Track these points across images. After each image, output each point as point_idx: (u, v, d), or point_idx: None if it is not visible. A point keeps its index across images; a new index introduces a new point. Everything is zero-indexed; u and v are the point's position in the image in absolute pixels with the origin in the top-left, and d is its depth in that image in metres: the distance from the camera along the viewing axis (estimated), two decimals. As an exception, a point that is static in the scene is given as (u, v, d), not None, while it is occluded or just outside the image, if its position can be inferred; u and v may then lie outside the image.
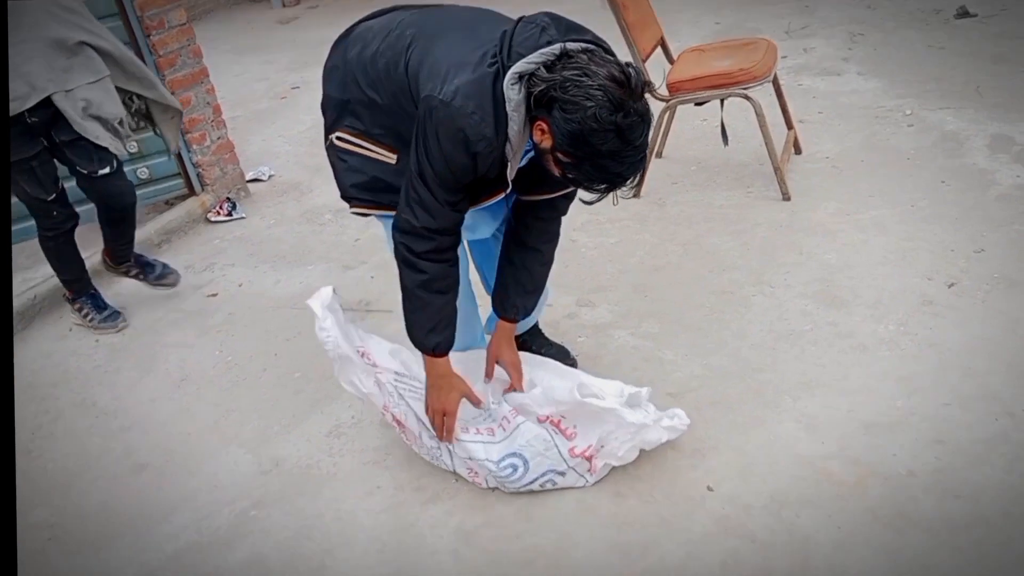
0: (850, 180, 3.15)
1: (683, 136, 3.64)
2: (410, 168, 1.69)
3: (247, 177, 4.02)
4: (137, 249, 3.10)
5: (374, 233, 3.34)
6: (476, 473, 2.02)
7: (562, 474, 1.97)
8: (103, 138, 2.66)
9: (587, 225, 3.10)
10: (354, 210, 1.98)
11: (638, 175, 1.61)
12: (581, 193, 1.67)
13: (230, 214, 3.78)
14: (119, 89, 2.77)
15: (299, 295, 3.03)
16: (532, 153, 1.69)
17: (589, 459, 1.95)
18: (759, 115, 2.98)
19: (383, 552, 1.92)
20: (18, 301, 3.05)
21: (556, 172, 1.60)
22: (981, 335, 2.27)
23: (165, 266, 3.13)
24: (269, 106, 5.33)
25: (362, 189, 1.91)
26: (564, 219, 2.02)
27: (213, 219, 3.73)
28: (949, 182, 3.02)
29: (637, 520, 1.89)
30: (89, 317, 2.99)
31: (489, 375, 2.08)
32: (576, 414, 1.96)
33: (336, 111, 1.88)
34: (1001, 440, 1.93)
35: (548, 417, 2.00)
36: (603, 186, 1.59)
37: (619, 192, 1.62)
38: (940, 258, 2.60)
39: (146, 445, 2.39)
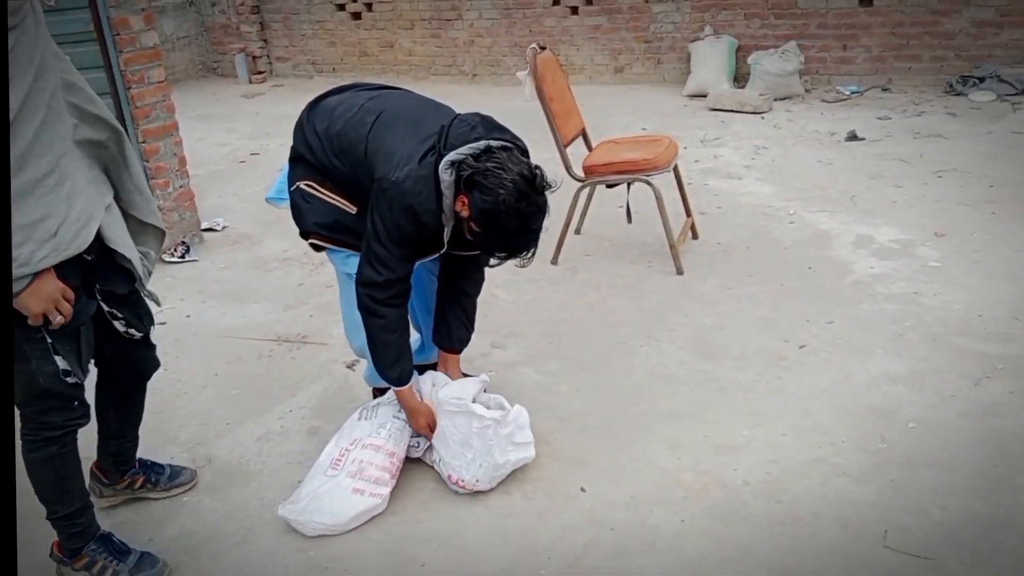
0: (734, 262, 3.66)
1: (600, 218, 4.13)
2: (368, 233, 2.11)
3: (202, 226, 4.37)
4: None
5: (316, 280, 3.71)
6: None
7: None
8: (143, 279, 1.97)
9: (508, 284, 3.52)
10: (311, 241, 2.36)
11: (531, 251, 2.05)
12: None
13: (183, 256, 4.10)
14: None
15: (242, 327, 3.37)
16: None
17: (463, 486, 2.29)
18: (658, 198, 3.49)
19: (297, 532, 2.21)
20: None
21: (469, 237, 2.04)
22: (819, 384, 2.71)
23: (173, 466, 2.42)
24: (228, 168, 5.73)
25: (323, 227, 2.31)
26: (488, 277, 2.46)
27: (167, 259, 4.04)
28: (815, 268, 3.54)
29: (519, 511, 2.24)
30: (110, 571, 2.03)
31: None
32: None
33: (304, 167, 2.31)
34: (821, 462, 2.35)
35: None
36: (503, 254, 2.04)
37: (514, 261, 2.06)
38: (797, 326, 3.08)
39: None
